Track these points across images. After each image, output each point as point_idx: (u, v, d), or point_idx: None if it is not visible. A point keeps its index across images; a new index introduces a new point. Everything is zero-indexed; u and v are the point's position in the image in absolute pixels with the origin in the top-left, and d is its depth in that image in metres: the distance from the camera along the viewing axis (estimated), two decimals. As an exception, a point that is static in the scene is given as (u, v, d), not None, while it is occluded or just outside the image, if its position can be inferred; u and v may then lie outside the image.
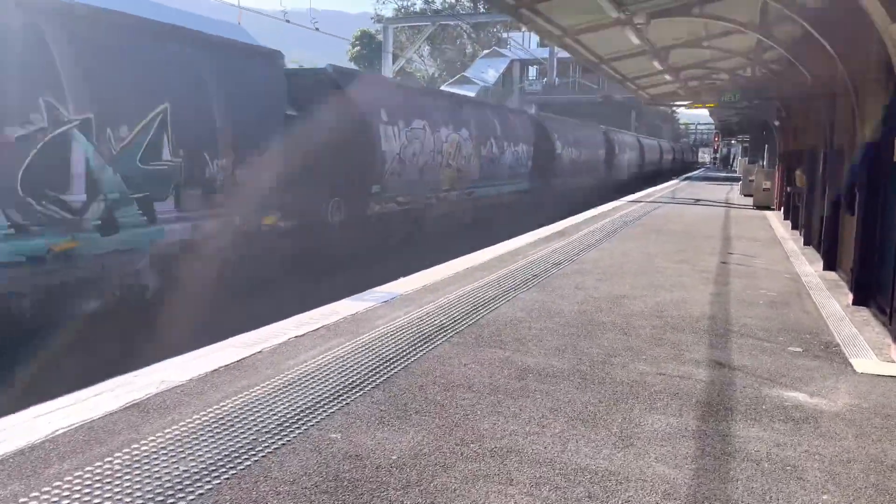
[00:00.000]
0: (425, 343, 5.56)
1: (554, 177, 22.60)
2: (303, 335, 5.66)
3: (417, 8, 63.18)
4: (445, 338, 5.74)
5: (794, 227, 15.24)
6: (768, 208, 20.82)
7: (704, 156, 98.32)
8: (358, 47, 58.80)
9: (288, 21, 25.50)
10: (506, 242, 11.82)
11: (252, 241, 9.06)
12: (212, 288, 7.78)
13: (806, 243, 12.73)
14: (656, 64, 14.74)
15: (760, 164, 28.90)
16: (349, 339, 5.57)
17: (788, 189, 15.73)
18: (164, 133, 7.74)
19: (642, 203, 21.83)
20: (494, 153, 17.91)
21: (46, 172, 6.51)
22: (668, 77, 17.57)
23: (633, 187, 32.59)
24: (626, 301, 7.43)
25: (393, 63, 35.24)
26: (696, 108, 25.13)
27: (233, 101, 8.76)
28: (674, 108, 79.55)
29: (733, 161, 72.47)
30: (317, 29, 22.85)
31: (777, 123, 21.75)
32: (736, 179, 37.37)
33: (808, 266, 10.32)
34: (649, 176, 43.86)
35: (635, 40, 11.71)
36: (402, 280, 8.30)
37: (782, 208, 19.05)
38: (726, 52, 13.91)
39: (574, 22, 10.86)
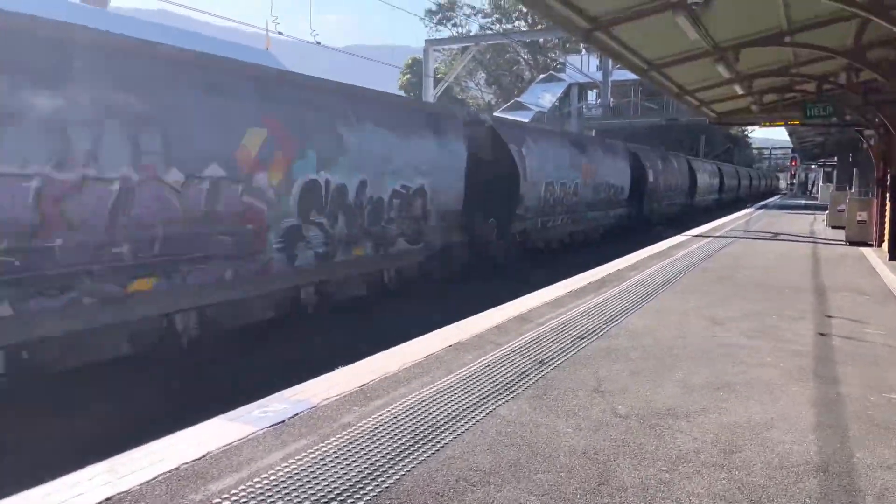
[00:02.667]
0: (257, 558, 2.87)
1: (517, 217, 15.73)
2: (47, 527, 3.07)
3: (473, 33, 61.41)
4: (306, 539, 3.04)
5: (909, 272, 11.87)
6: (865, 244, 17.28)
7: (780, 182, 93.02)
8: (408, 75, 57.37)
9: (318, 43, 23.67)
10: (521, 299, 9.03)
11: None
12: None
13: (934, 299, 9.44)
14: (721, 70, 11.73)
15: (851, 191, 25.08)
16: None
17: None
18: None
19: (709, 238, 18.56)
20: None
21: None
22: (737, 89, 14.45)
23: (686, 222, 28.76)
24: (670, 424, 4.55)
25: (434, 87, 32.91)
26: (775, 125, 21.72)
27: None
28: (745, 131, 74.77)
29: (812, 187, 67.36)
30: (318, 43, 20.80)
31: (873, 142, 18.24)
32: (818, 208, 33.31)
33: (952, 341, 7.13)
34: (703, 209, 38.81)
35: (692, 34, 8.85)
36: (337, 373, 5.64)
37: (884, 244, 15.53)
38: (815, 51, 10.81)
39: (607, 7, 8.09)
